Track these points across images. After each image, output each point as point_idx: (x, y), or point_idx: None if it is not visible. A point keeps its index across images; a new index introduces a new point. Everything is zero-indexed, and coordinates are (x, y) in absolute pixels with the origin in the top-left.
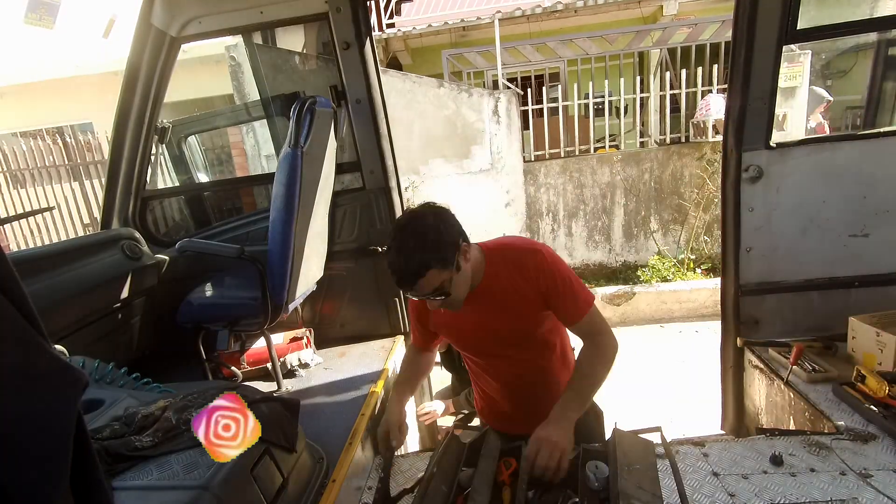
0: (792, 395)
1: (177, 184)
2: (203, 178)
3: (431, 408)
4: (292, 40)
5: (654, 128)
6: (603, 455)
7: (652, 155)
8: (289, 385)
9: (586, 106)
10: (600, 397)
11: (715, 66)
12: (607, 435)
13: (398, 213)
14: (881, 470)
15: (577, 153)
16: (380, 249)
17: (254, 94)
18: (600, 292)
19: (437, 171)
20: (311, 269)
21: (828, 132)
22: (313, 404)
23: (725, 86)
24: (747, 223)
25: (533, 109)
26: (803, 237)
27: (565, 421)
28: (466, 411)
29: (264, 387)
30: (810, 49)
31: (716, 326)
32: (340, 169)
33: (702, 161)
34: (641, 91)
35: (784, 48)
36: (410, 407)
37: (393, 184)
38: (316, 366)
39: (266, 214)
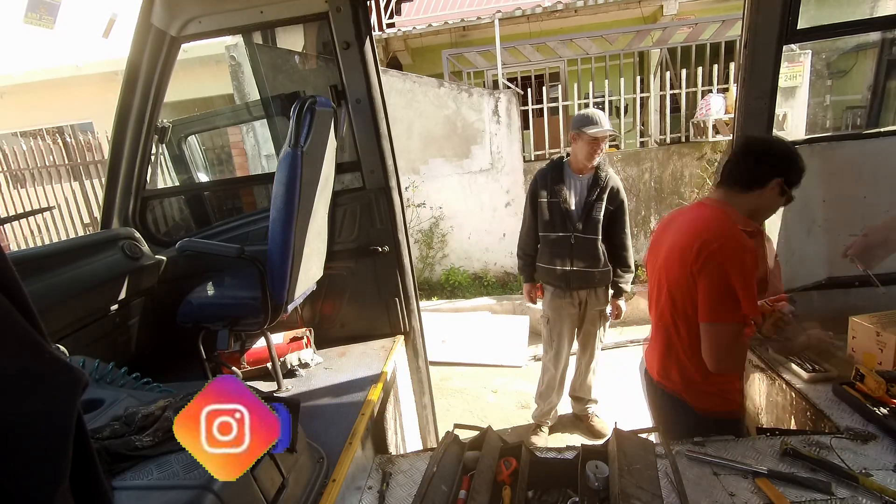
0: (792, 395)
1: (177, 184)
2: (203, 177)
3: None
4: (292, 40)
5: (654, 127)
6: (603, 455)
7: (652, 155)
8: (289, 385)
9: (586, 105)
10: (600, 399)
11: (715, 66)
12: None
13: (398, 213)
14: (881, 470)
15: None
16: (380, 249)
17: (254, 94)
18: None
19: (437, 171)
20: (311, 268)
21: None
22: (313, 404)
23: (725, 86)
24: None
25: (533, 109)
26: (804, 237)
27: None
28: None
29: (264, 387)
30: (810, 49)
31: None
32: (340, 169)
33: (702, 161)
34: (641, 91)
35: (784, 48)
36: None
37: (393, 183)
38: (316, 366)
39: (266, 214)
